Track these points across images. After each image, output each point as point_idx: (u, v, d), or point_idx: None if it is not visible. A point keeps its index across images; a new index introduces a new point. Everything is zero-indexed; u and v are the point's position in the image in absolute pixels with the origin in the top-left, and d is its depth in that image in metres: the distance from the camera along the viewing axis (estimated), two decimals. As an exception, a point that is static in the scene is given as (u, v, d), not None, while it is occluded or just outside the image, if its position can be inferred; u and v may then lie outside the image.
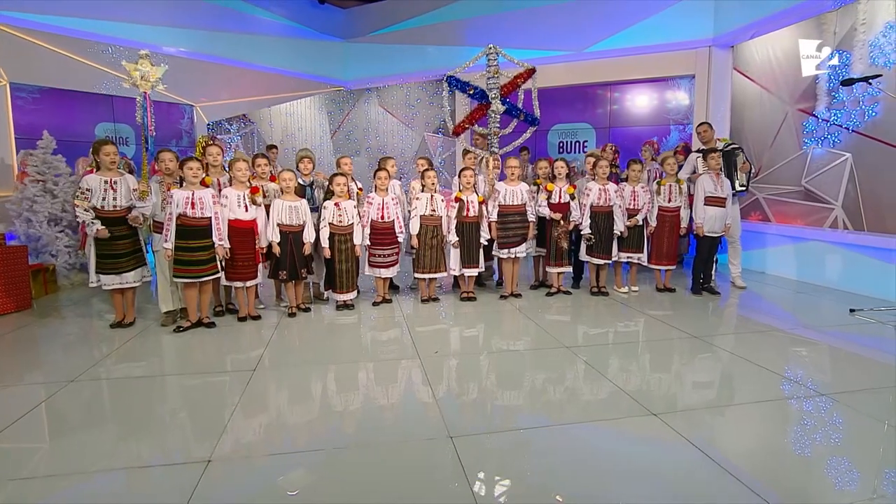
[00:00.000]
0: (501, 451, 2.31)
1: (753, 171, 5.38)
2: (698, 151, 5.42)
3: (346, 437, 2.45)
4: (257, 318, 4.44)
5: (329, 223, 4.55)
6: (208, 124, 8.54)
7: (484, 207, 4.95)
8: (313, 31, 9.19)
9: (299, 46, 9.11)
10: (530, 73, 5.17)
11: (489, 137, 5.29)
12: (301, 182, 4.67)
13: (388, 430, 2.51)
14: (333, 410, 2.75)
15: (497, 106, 5.09)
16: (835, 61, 5.59)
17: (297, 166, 4.84)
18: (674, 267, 5.29)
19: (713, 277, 5.34)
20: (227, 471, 2.15)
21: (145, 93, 4.48)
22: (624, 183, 5.25)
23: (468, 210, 4.87)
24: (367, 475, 2.11)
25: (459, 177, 4.91)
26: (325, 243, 4.56)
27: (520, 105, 5.37)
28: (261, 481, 2.09)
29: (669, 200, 5.12)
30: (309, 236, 4.50)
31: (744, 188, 5.27)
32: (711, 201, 5.01)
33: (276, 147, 7.53)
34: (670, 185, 5.12)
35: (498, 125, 5.20)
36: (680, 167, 5.46)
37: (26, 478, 2.10)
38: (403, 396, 2.93)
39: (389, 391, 3.01)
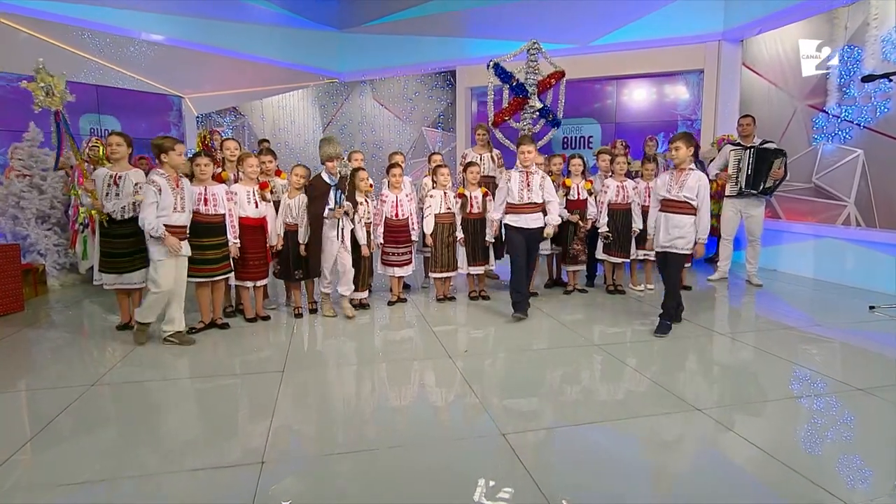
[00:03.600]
0: (556, 448, 2.41)
1: (787, 178, 5.47)
2: (734, 145, 5.56)
3: (397, 435, 2.51)
4: (267, 318, 4.46)
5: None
6: (197, 117, 8.48)
7: (488, 202, 4.99)
8: (307, 21, 9.17)
9: (292, 36, 9.09)
10: (560, 74, 5.31)
11: (522, 132, 5.41)
12: (328, 181, 4.29)
13: (439, 429, 2.59)
14: (377, 410, 2.81)
15: (536, 102, 5.21)
16: (845, 57, 5.82)
17: (325, 162, 4.30)
18: (689, 265, 5.44)
19: (681, 310, 4.22)
20: (283, 472, 2.19)
21: (57, 111, 4.05)
22: (639, 179, 5.39)
23: (472, 206, 4.95)
24: (428, 472, 2.18)
25: (465, 172, 4.99)
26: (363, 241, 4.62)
27: (547, 104, 5.50)
28: (320, 481, 2.14)
29: None
30: (302, 237, 4.41)
31: (768, 192, 5.44)
32: (666, 206, 4.01)
33: (267, 140, 7.55)
34: None
35: (532, 122, 5.32)
36: (700, 163, 5.62)
37: (83, 482, 2.12)
38: (445, 395, 3.00)
39: (430, 390, 3.08)
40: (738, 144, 5.47)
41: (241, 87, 8.90)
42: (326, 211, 4.25)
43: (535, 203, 4.31)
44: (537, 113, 5.33)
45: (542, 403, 2.87)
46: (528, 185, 4.28)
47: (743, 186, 5.35)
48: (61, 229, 5.71)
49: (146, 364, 3.47)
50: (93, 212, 3.94)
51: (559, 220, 4.44)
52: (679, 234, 3.90)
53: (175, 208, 3.67)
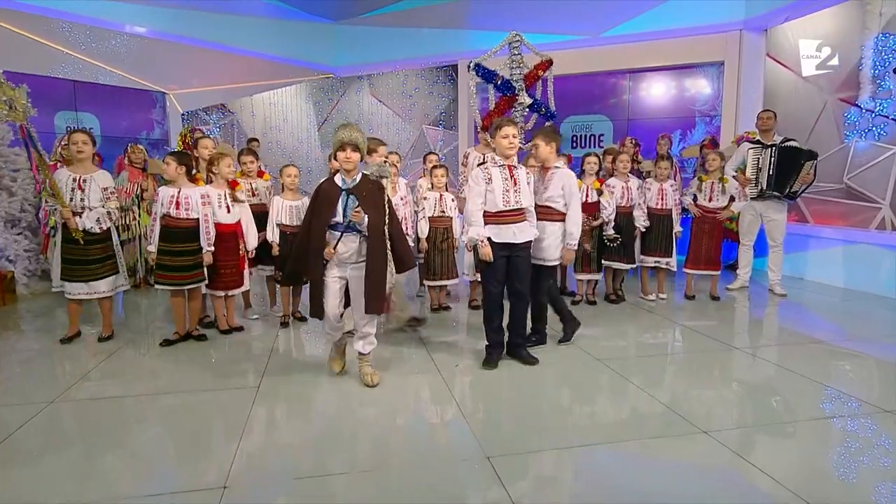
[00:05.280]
0: (545, 473, 2.36)
1: (814, 181, 5.38)
2: (753, 142, 5.49)
3: (373, 457, 2.48)
4: (239, 329, 4.43)
5: None
6: (183, 114, 8.53)
7: None
8: (300, 12, 9.22)
9: (284, 28, 9.14)
10: (548, 64, 5.26)
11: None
12: (340, 184, 3.17)
13: (418, 450, 2.54)
14: (354, 430, 2.77)
15: (524, 99, 5.16)
16: (879, 46, 5.73)
17: (336, 155, 3.22)
18: (718, 272, 5.37)
19: (576, 325, 4.08)
20: (247, 497, 2.16)
21: (22, 125, 4.06)
22: (650, 179, 5.34)
23: None
24: (403, 498, 2.13)
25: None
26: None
27: (538, 97, 5.46)
28: (285, 508, 2.10)
29: (710, 200, 5.22)
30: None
31: (793, 197, 5.35)
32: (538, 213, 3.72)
33: (257, 140, 7.58)
34: (712, 183, 5.22)
35: (523, 119, 5.29)
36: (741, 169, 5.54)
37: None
38: (429, 414, 2.97)
39: (413, 408, 3.05)
40: (758, 142, 5.40)
41: (229, 82, 8.95)
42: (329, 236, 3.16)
43: (524, 209, 3.51)
44: (528, 109, 5.29)
45: (533, 424, 2.82)
46: (515, 184, 3.44)
47: (764, 187, 5.27)
48: (32, 234, 5.74)
49: (114, 378, 3.46)
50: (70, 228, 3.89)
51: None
52: (546, 243, 3.69)
53: None
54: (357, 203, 3.10)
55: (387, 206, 3.18)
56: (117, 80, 7.63)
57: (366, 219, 3.11)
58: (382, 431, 2.75)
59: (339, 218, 3.13)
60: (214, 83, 8.79)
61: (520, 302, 3.62)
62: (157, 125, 8.28)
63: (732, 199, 5.30)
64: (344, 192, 3.13)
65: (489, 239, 3.44)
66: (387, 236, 3.16)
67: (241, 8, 8.58)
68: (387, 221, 3.16)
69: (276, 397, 3.14)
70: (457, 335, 4.37)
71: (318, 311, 3.24)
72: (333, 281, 3.20)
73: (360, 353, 3.33)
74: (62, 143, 5.49)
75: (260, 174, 5.03)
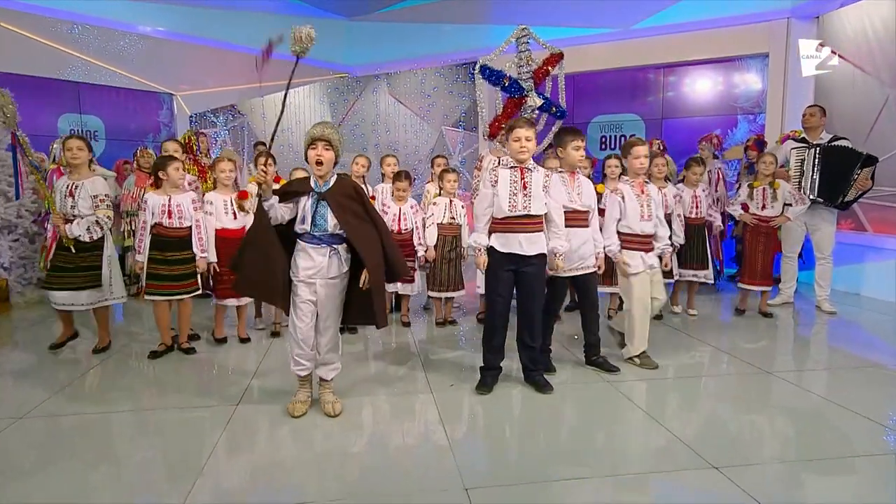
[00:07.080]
0: (530, 509, 2.26)
1: (872, 186, 5.12)
2: (798, 141, 5.29)
3: (345, 485, 2.43)
4: (246, 340, 4.48)
5: None
6: (191, 116, 8.75)
7: None
8: (312, 8, 9.36)
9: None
10: (558, 58, 5.16)
11: None
12: (314, 187, 2.99)
13: (394, 479, 2.48)
14: (330, 454, 2.73)
15: (535, 100, 5.07)
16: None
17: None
18: (770, 288, 5.18)
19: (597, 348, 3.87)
20: (196, 526, 2.13)
21: (13, 133, 4.15)
22: (681, 185, 5.20)
23: None
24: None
25: None
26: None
27: (548, 94, 5.36)
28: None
29: (763, 208, 5.03)
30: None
31: (845, 206, 5.13)
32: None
33: (264, 143, 7.68)
34: (763, 189, 5.02)
35: (534, 120, 5.21)
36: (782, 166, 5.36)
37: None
38: (412, 439, 2.91)
39: (396, 432, 2.99)
40: (803, 141, 5.18)
41: (239, 83, 9.13)
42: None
43: (536, 217, 3.29)
44: (537, 111, 5.17)
45: (524, 454, 2.73)
46: (525, 188, 3.25)
47: (808, 192, 5.04)
48: (29, 241, 5.92)
49: (90, 393, 3.52)
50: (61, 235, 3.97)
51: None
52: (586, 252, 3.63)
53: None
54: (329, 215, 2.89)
55: (369, 210, 3.03)
56: (123, 81, 7.89)
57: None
58: (357, 457, 2.70)
59: (306, 226, 2.90)
60: (223, 84, 8.99)
61: (530, 324, 3.43)
62: (163, 127, 8.50)
63: (788, 205, 5.06)
64: (315, 196, 2.92)
65: (493, 248, 3.32)
66: (380, 245, 2.98)
67: (251, 5, 8.72)
68: (377, 228, 3.01)
69: (251, 419, 3.11)
70: (459, 352, 4.30)
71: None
72: (304, 303, 2.96)
73: (321, 380, 3.16)
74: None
75: (277, 180, 5.06)
